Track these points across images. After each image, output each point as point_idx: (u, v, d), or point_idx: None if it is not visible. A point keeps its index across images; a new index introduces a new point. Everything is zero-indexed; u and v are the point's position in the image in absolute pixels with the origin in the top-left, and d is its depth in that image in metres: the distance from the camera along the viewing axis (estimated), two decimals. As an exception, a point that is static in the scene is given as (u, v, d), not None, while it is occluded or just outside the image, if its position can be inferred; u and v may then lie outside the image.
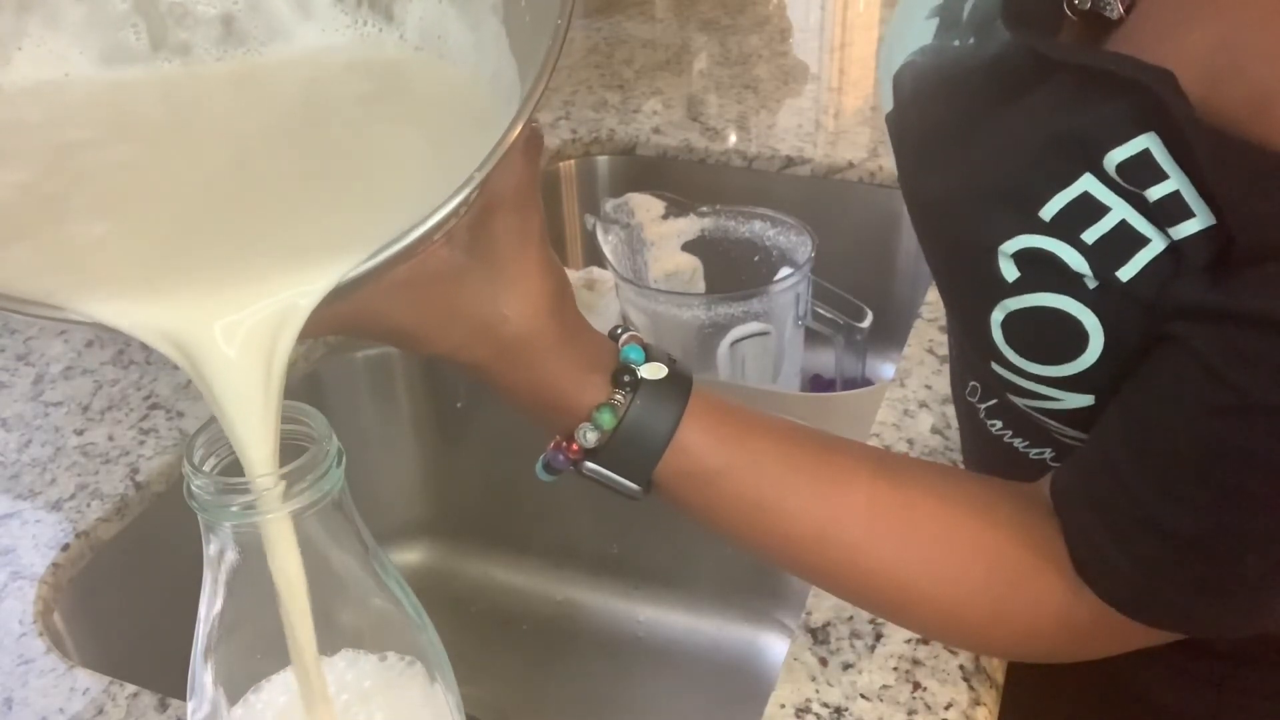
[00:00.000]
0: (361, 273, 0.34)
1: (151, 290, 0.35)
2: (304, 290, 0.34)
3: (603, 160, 1.23)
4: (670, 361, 0.48)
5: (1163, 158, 0.39)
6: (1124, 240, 0.41)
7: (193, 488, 0.36)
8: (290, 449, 0.36)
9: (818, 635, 0.60)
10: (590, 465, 0.48)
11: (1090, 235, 0.41)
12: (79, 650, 0.69)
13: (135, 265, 0.37)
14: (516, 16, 0.44)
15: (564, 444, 0.48)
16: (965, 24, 0.50)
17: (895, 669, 0.58)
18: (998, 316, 0.45)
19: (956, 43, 0.51)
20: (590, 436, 0.47)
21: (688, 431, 0.47)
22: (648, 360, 0.48)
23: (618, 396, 0.47)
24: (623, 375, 0.47)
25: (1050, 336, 0.44)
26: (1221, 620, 0.47)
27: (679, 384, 0.48)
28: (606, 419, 0.46)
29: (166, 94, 0.47)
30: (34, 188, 0.40)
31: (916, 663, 0.58)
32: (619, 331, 0.49)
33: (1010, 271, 0.44)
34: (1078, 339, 0.43)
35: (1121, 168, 0.40)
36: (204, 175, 0.42)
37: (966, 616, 0.50)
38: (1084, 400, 0.45)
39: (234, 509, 0.35)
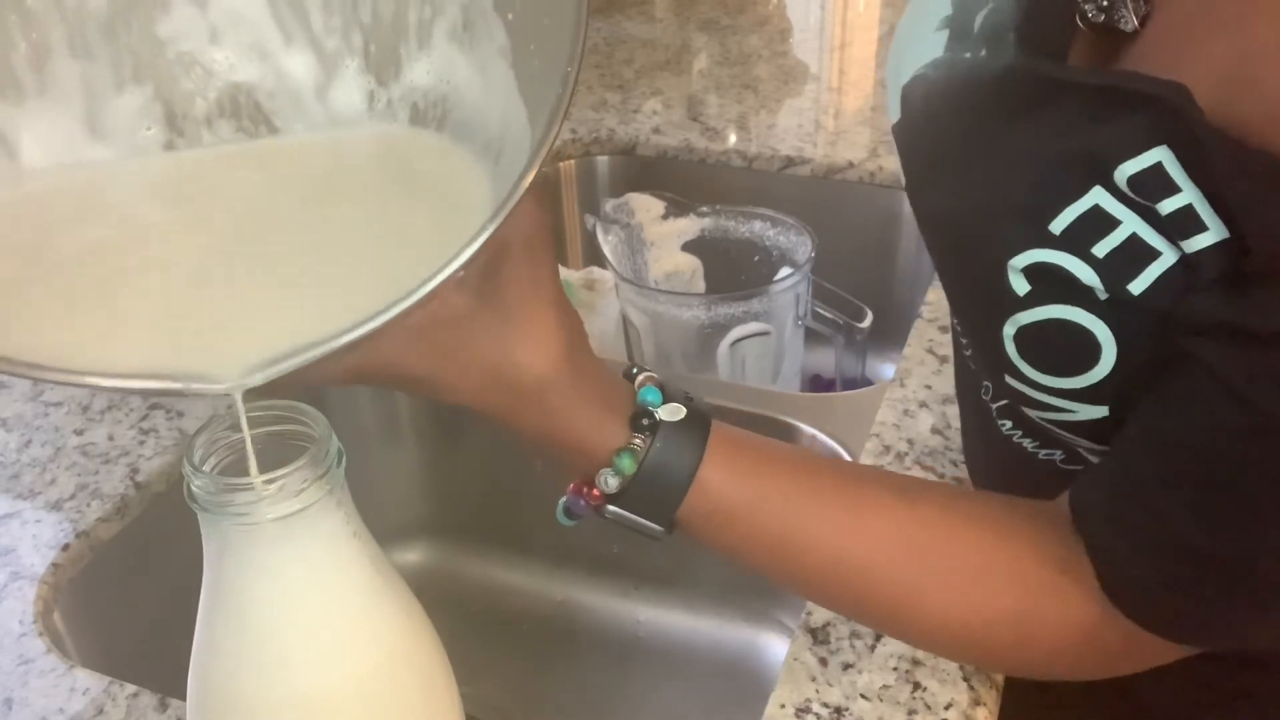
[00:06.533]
0: (362, 334, 0.35)
1: (166, 358, 0.37)
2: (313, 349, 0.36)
3: (603, 160, 1.23)
4: (687, 400, 0.48)
5: (1175, 171, 0.39)
6: (1135, 253, 0.40)
7: (193, 488, 0.36)
8: (290, 449, 0.36)
9: (818, 635, 0.60)
10: (612, 509, 0.48)
11: (1101, 249, 0.41)
12: (79, 650, 0.69)
13: (150, 336, 0.40)
14: (525, 60, 0.45)
15: (585, 489, 0.48)
16: (977, 36, 0.50)
17: (895, 669, 0.58)
18: (1009, 330, 0.45)
19: (968, 55, 0.50)
20: (611, 482, 0.47)
21: (708, 471, 0.47)
22: (665, 401, 0.48)
23: (637, 440, 0.47)
24: (641, 418, 0.47)
25: (1063, 349, 0.44)
26: (1250, 635, 0.47)
27: (698, 423, 0.48)
28: (627, 464, 0.47)
29: (179, 172, 0.49)
30: (47, 266, 0.43)
31: (916, 663, 0.58)
32: (634, 372, 0.49)
33: (1021, 285, 0.43)
34: (1090, 351, 0.43)
35: (1133, 181, 0.40)
36: (210, 252, 0.44)
37: (995, 639, 0.49)
38: (1098, 412, 0.45)
39: (234, 509, 0.35)
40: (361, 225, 0.46)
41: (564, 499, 0.49)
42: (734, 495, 0.48)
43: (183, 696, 0.42)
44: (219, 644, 0.39)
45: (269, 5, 0.50)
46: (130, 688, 0.60)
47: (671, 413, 0.48)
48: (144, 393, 0.38)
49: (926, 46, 0.53)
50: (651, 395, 0.48)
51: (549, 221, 0.46)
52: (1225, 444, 0.40)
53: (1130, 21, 0.44)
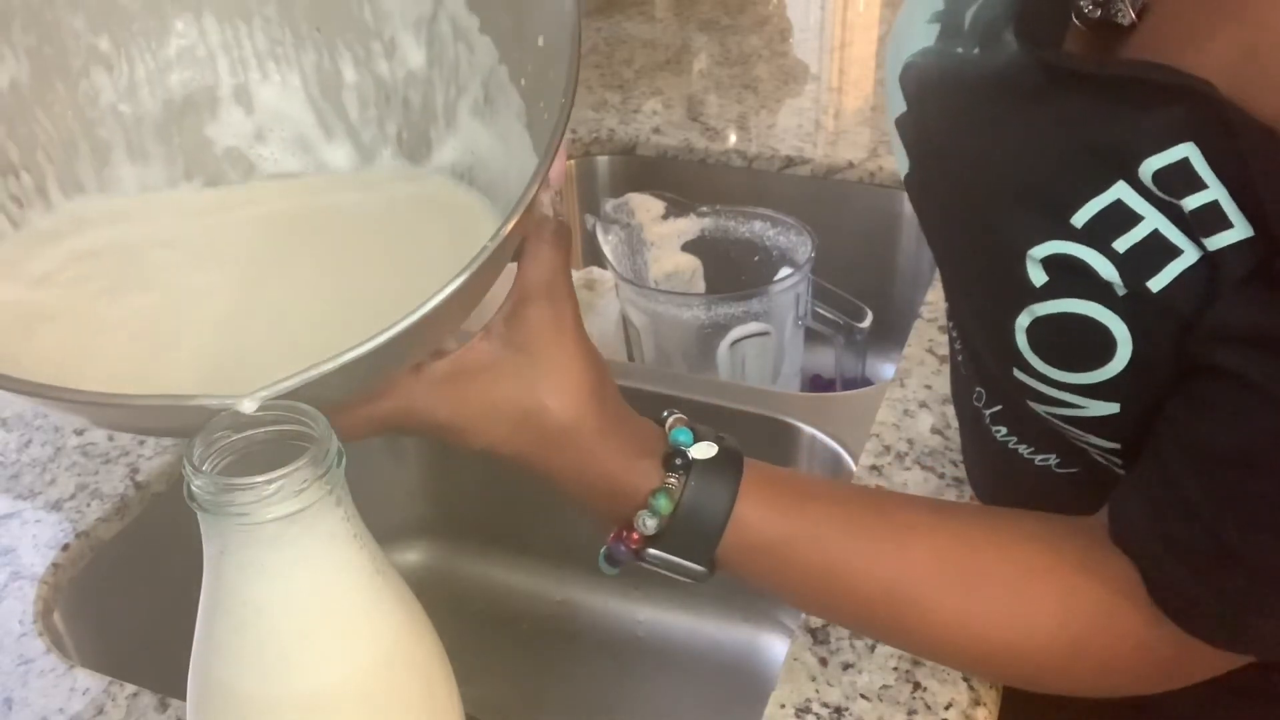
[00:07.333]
0: (359, 355, 0.36)
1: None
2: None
3: (603, 160, 1.23)
4: (719, 439, 0.49)
5: (1201, 167, 0.38)
6: (1156, 250, 0.40)
7: (193, 488, 0.36)
8: (290, 449, 0.36)
9: (818, 635, 0.60)
10: (652, 552, 0.48)
11: (1122, 244, 0.41)
12: (79, 650, 0.69)
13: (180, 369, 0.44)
14: (537, 117, 0.47)
15: (624, 534, 0.48)
16: (968, 33, 0.50)
17: (895, 669, 0.58)
18: (1023, 321, 0.44)
19: (960, 50, 0.50)
20: (649, 523, 0.47)
21: (745, 506, 0.48)
22: (696, 440, 0.48)
23: (671, 480, 0.47)
24: (674, 458, 0.48)
25: (1077, 343, 0.43)
26: None
27: (731, 460, 0.48)
28: (663, 504, 0.47)
29: (218, 233, 0.52)
30: (97, 335, 0.47)
31: (916, 663, 0.58)
32: (664, 415, 0.50)
33: (1038, 276, 0.43)
34: (1105, 346, 0.42)
35: (1158, 176, 0.39)
36: (246, 310, 0.48)
37: (1046, 658, 0.49)
38: (1109, 408, 0.45)
39: (234, 509, 0.35)
40: (385, 284, 0.48)
41: (604, 548, 0.50)
42: (773, 529, 0.48)
43: (183, 696, 0.42)
44: (219, 644, 0.39)
45: (310, 103, 0.54)
46: (130, 688, 0.60)
47: (704, 450, 0.48)
48: (156, 417, 0.39)
49: (918, 38, 0.53)
50: (683, 435, 0.48)
51: (569, 266, 0.47)
52: (1268, 453, 0.40)
53: (1128, 15, 0.43)
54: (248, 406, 0.36)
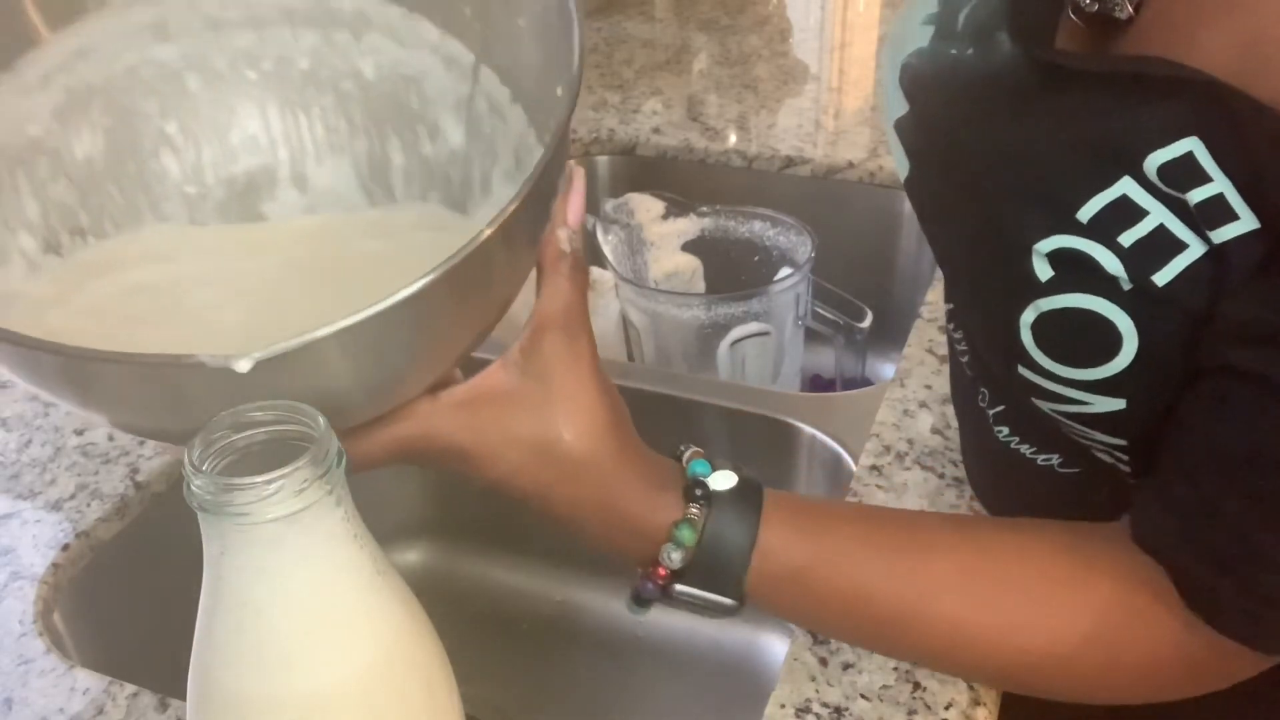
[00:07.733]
0: (350, 323, 0.37)
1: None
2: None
3: (603, 160, 1.23)
4: (736, 469, 0.49)
5: (1206, 161, 0.39)
6: (1161, 244, 0.40)
7: (193, 488, 0.36)
8: (290, 449, 0.36)
9: (818, 635, 0.60)
10: (680, 587, 0.48)
11: (1127, 238, 0.41)
12: (79, 650, 0.69)
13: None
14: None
15: (650, 571, 0.48)
16: (961, 34, 0.50)
17: (895, 669, 0.58)
18: (1028, 317, 0.44)
19: (954, 50, 0.50)
20: (675, 556, 0.47)
21: (769, 533, 0.48)
22: (714, 471, 0.48)
23: (693, 511, 0.47)
24: (694, 489, 0.48)
25: (1082, 339, 0.43)
26: None
27: (751, 490, 0.48)
28: (687, 535, 0.47)
29: (251, 275, 0.55)
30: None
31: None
32: (682, 450, 0.50)
33: (1044, 271, 0.43)
34: (1111, 342, 0.42)
35: (1163, 170, 0.39)
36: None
37: (1082, 667, 0.49)
38: (1115, 404, 0.45)
39: (234, 509, 0.35)
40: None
41: (632, 588, 0.50)
42: (798, 555, 0.48)
43: (183, 696, 0.42)
44: (219, 644, 0.39)
45: (360, 185, 0.58)
46: (130, 688, 0.60)
47: (724, 480, 0.48)
48: (153, 384, 0.39)
49: (914, 40, 0.53)
50: (701, 467, 0.48)
51: (585, 299, 0.48)
52: None
53: (1125, 9, 0.44)
54: (243, 366, 0.36)
